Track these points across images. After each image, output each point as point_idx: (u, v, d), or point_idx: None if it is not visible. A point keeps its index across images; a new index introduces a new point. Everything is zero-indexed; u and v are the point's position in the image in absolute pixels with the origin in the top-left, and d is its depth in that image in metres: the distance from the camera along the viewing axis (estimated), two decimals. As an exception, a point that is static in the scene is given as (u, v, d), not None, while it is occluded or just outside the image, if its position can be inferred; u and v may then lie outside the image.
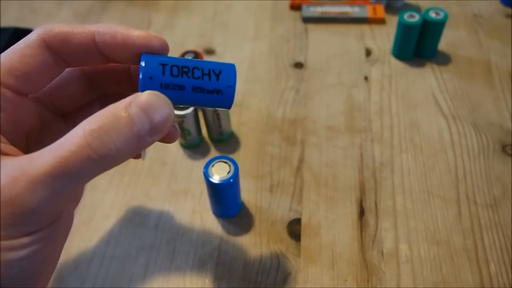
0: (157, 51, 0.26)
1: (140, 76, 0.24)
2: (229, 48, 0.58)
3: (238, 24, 0.62)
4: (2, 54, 0.25)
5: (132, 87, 0.30)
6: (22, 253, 0.23)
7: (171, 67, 0.25)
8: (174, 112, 0.24)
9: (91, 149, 0.22)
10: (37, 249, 0.23)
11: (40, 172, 0.21)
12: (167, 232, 0.41)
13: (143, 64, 0.25)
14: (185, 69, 0.25)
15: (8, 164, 0.22)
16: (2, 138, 0.24)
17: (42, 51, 0.25)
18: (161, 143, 0.28)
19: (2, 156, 0.23)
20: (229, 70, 0.26)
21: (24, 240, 0.22)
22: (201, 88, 0.26)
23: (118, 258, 0.40)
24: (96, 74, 0.30)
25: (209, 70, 0.26)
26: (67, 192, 0.23)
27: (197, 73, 0.25)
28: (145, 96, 0.23)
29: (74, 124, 0.25)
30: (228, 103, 0.27)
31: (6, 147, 0.24)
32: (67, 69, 0.28)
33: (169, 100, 0.24)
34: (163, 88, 0.25)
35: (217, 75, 0.26)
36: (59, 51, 0.26)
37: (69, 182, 0.22)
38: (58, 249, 0.27)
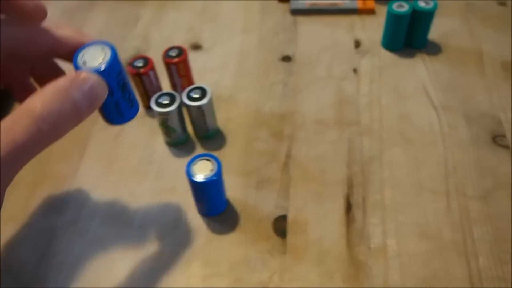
0: (32, 11, 0.29)
1: (104, 67, 0.27)
2: (218, 42, 0.58)
3: (227, 18, 0.61)
4: None
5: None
6: None
7: (123, 81, 0.29)
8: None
9: (42, 133, 0.24)
10: None
11: None
12: (152, 232, 0.41)
13: (110, 61, 0.28)
14: (125, 86, 0.30)
15: None
16: None
17: None
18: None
19: None
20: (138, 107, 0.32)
21: None
22: (117, 103, 0.30)
23: (103, 259, 0.40)
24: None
25: (132, 99, 0.31)
26: (16, 172, 0.24)
27: (127, 95, 0.30)
28: (91, 82, 0.26)
29: None
30: (112, 120, 0.31)
31: None
32: None
33: (106, 86, 0.27)
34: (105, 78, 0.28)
35: (133, 106, 0.32)
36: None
37: (22, 162, 0.24)
38: None
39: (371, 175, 0.43)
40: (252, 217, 0.41)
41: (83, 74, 0.26)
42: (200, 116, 0.44)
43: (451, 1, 0.60)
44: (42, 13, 0.29)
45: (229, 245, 0.40)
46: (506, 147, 0.45)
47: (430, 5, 0.51)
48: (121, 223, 0.42)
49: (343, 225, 0.40)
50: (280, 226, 0.40)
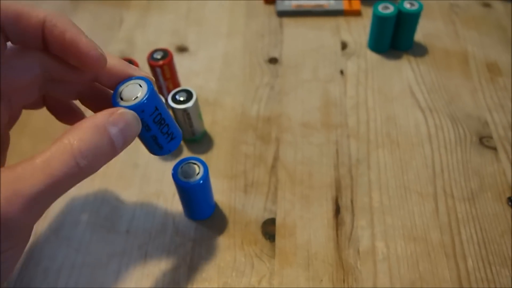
0: (96, 61, 0.28)
1: (139, 104, 0.28)
2: (203, 45, 0.57)
3: (212, 21, 0.61)
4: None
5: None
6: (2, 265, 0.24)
7: (160, 116, 0.30)
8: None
9: (79, 168, 0.24)
10: (13, 257, 0.25)
11: (33, 193, 0.22)
12: (139, 237, 0.40)
13: (145, 99, 0.28)
14: (162, 121, 0.30)
15: None
16: None
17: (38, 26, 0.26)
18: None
19: None
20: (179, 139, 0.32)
21: (8, 253, 0.24)
22: (155, 137, 0.30)
23: (89, 266, 0.39)
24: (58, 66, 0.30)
25: (171, 132, 0.31)
26: (49, 205, 0.24)
27: (165, 129, 0.30)
28: (126, 118, 0.26)
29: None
30: (153, 151, 0.32)
31: None
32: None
33: (140, 122, 0.28)
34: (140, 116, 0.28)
35: (173, 139, 0.32)
36: (6, 28, 0.26)
37: (56, 198, 0.24)
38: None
39: (358, 177, 0.43)
40: (240, 220, 0.41)
41: (120, 111, 0.26)
42: (186, 119, 0.43)
43: (435, 3, 0.61)
44: (103, 63, 0.28)
45: (217, 249, 0.39)
46: (492, 148, 0.45)
47: (415, 7, 0.51)
48: (107, 228, 0.41)
49: (331, 228, 0.40)
50: (268, 229, 0.40)
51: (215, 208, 0.42)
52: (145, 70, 0.46)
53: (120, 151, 0.26)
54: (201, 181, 0.37)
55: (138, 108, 0.28)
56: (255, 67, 0.54)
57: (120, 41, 0.59)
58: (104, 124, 0.25)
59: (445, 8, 0.60)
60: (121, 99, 0.28)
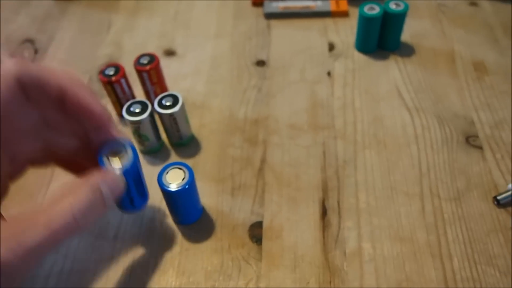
0: (105, 123, 0.33)
1: (125, 167, 0.33)
2: (191, 48, 0.57)
3: (200, 23, 0.61)
4: None
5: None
6: None
7: (138, 175, 0.35)
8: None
9: (77, 225, 0.27)
10: None
11: (35, 244, 0.25)
12: (126, 242, 0.40)
13: (129, 166, 0.33)
14: (139, 182, 0.36)
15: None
16: None
17: (15, 92, 0.29)
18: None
19: None
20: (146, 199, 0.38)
21: None
22: (131, 197, 0.35)
23: (77, 273, 0.39)
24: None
25: (143, 192, 0.37)
26: (47, 255, 0.29)
27: (140, 189, 0.36)
28: (115, 181, 0.31)
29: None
30: (125, 208, 0.36)
31: None
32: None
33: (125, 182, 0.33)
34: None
35: (144, 198, 0.38)
36: (28, 93, 0.30)
37: (54, 249, 0.27)
38: None
39: (345, 178, 0.43)
40: (228, 224, 0.41)
41: (112, 174, 0.31)
42: (173, 124, 0.44)
43: (423, 2, 0.61)
44: (108, 120, 0.33)
45: (204, 253, 0.39)
46: (479, 147, 0.45)
47: (401, 7, 0.51)
48: (94, 235, 0.41)
49: (318, 230, 0.40)
50: (255, 232, 0.40)
51: (202, 212, 0.42)
52: (134, 75, 0.47)
53: (110, 208, 0.31)
54: (187, 186, 0.37)
55: (125, 172, 0.32)
56: (242, 69, 0.54)
57: (108, 44, 0.59)
58: (99, 187, 0.29)
59: (432, 7, 0.60)
60: (108, 161, 0.33)
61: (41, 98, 0.30)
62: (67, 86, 0.30)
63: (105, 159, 0.33)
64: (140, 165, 0.35)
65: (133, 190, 0.34)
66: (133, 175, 0.34)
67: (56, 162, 0.36)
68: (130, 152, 0.33)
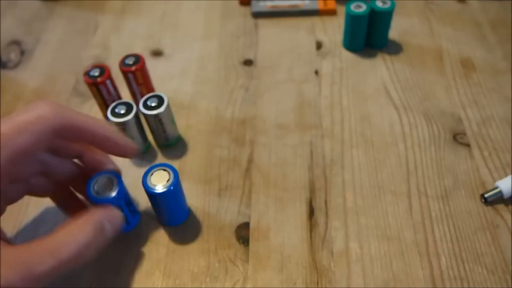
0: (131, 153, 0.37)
1: (115, 195, 0.36)
2: (178, 49, 0.57)
3: (187, 24, 0.61)
4: (20, 132, 0.30)
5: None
6: None
7: (129, 198, 0.39)
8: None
9: (81, 256, 0.30)
10: None
11: (43, 272, 0.28)
12: (112, 245, 0.40)
13: (116, 194, 0.36)
14: (129, 202, 0.39)
15: (10, 256, 0.28)
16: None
17: (49, 142, 0.31)
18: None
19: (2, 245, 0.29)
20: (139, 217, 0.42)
21: None
22: (125, 217, 0.38)
23: (62, 275, 0.39)
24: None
25: (134, 210, 0.41)
26: (50, 281, 0.29)
27: (132, 208, 0.40)
28: (115, 216, 0.34)
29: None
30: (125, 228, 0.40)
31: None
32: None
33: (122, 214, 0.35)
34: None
35: (135, 215, 0.41)
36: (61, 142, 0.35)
37: (59, 276, 0.29)
38: None
39: (332, 178, 0.43)
40: (215, 225, 0.41)
41: (112, 210, 0.34)
42: (159, 125, 0.43)
43: (411, 0, 0.61)
44: (134, 152, 0.37)
45: (191, 255, 0.39)
46: (466, 145, 0.45)
47: (387, 5, 0.51)
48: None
49: (305, 230, 0.40)
50: (242, 233, 0.40)
51: (189, 213, 0.41)
52: (120, 76, 0.46)
53: (110, 240, 0.33)
54: (172, 188, 0.36)
55: (115, 199, 0.36)
56: (230, 69, 0.54)
57: (95, 46, 0.58)
58: (102, 222, 0.32)
59: (420, 5, 0.60)
60: (97, 193, 0.35)
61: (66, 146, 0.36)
62: (103, 133, 0.34)
63: (93, 193, 0.36)
64: (126, 189, 0.38)
65: (125, 211, 0.38)
66: (123, 199, 0.37)
67: (52, 192, 0.39)
68: (115, 180, 0.37)
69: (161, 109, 0.42)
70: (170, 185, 0.36)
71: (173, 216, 0.40)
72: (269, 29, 0.59)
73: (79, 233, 0.30)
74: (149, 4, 0.64)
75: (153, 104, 0.42)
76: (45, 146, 0.32)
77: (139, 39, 0.59)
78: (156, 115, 0.42)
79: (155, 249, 0.40)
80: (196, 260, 0.39)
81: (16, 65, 0.57)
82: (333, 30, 0.58)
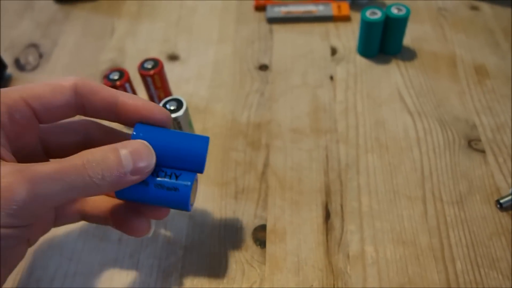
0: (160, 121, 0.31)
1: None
2: (193, 53, 0.58)
3: (202, 28, 0.61)
4: (39, 83, 0.29)
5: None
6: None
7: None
8: (155, 162, 0.30)
9: (85, 170, 0.26)
10: (16, 240, 0.26)
11: (40, 173, 0.25)
12: (130, 245, 0.41)
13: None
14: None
15: (9, 165, 0.25)
16: (7, 146, 0.28)
17: (71, 92, 0.30)
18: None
19: (2, 162, 0.25)
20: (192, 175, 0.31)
21: (10, 231, 0.25)
22: (161, 185, 0.30)
23: (81, 275, 0.39)
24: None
25: (172, 173, 0.30)
26: (54, 200, 0.26)
27: (161, 174, 0.30)
28: (136, 144, 0.29)
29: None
30: (183, 202, 0.30)
31: (7, 154, 0.27)
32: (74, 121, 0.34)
33: (153, 152, 0.30)
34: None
35: (177, 176, 0.30)
36: (83, 98, 0.30)
37: (60, 189, 0.25)
38: (18, 258, 0.29)
39: (348, 182, 0.44)
40: (231, 227, 0.41)
41: (136, 142, 0.29)
42: (177, 128, 0.44)
43: (424, 7, 0.61)
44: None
45: (208, 256, 0.40)
46: (481, 151, 0.45)
47: (402, 12, 0.51)
48: (99, 237, 0.41)
49: (321, 233, 0.40)
50: (259, 236, 0.41)
51: (207, 215, 0.42)
52: (137, 79, 0.47)
53: (131, 175, 0.28)
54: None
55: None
56: (245, 73, 0.54)
57: (111, 49, 0.59)
58: (116, 146, 0.28)
59: (433, 11, 0.61)
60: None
61: (95, 102, 0.31)
62: (123, 97, 0.31)
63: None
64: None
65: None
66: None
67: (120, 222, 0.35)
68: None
69: (180, 113, 0.43)
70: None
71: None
72: (284, 34, 0.59)
73: (87, 152, 0.27)
74: (165, 8, 0.65)
75: (172, 108, 0.43)
76: (71, 100, 0.30)
77: (155, 43, 0.60)
78: (175, 118, 0.43)
79: (173, 250, 0.40)
80: (213, 261, 0.39)
81: (35, 68, 0.58)
82: (347, 36, 0.58)
